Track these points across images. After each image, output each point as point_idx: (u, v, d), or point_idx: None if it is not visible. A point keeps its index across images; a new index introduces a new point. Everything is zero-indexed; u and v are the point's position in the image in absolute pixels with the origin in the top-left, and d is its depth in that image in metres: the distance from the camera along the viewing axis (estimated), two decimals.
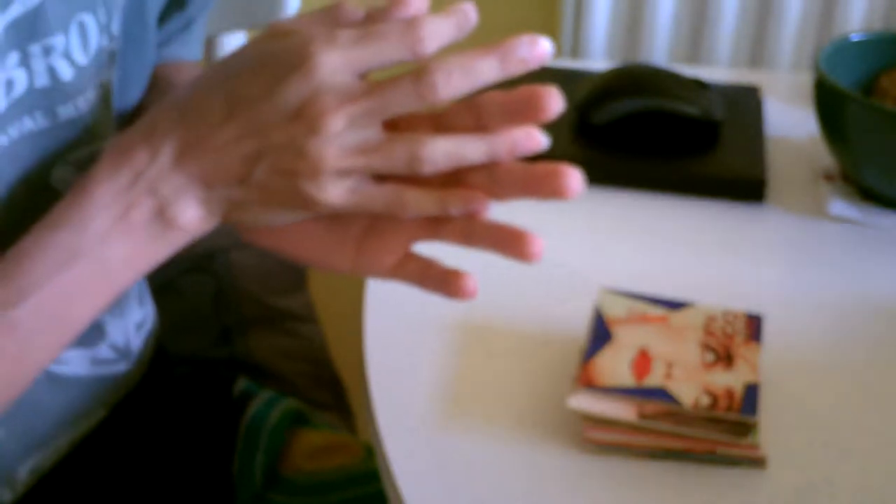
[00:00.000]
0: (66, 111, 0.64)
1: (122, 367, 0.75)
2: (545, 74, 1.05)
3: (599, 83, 0.98)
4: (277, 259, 1.16)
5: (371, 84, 0.54)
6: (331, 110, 0.53)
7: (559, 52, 1.53)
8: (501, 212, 0.88)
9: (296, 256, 0.61)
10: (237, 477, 0.83)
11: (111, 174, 0.56)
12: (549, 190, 0.55)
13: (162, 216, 0.56)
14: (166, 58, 0.83)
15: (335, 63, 0.53)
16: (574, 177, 0.54)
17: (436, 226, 0.59)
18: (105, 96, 0.68)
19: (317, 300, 1.19)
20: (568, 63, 1.14)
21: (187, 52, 0.84)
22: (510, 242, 0.57)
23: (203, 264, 1.11)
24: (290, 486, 0.83)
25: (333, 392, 1.11)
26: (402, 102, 0.53)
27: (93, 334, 0.72)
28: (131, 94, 0.76)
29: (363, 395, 0.71)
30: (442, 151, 0.54)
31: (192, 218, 0.57)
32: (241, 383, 0.90)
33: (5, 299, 0.56)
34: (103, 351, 0.73)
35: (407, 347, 0.74)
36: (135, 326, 0.77)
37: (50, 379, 0.69)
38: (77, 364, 0.71)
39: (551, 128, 0.97)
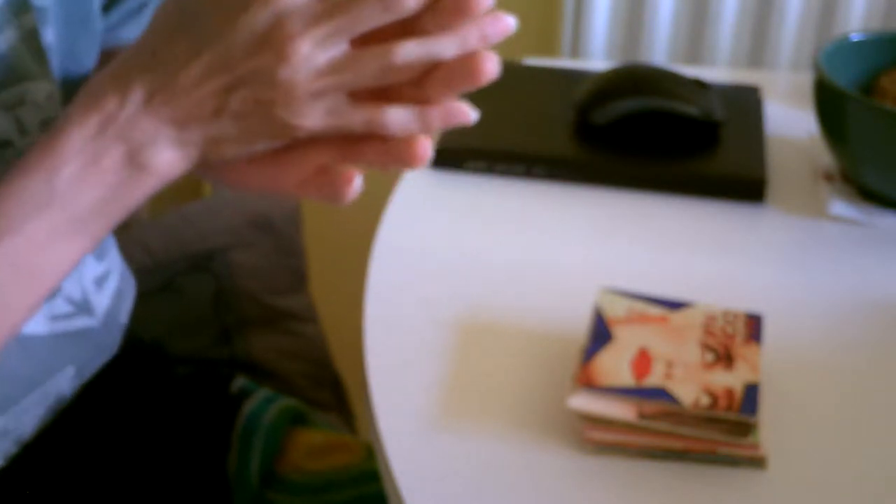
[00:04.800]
0: None
1: (84, 323, 0.74)
2: (545, 74, 1.06)
3: (599, 83, 0.98)
4: (277, 259, 1.16)
5: (334, 3, 0.53)
6: (296, 34, 0.53)
7: (559, 52, 1.53)
8: (502, 212, 0.88)
9: (224, 179, 0.62)
10: (234, 475, 0.83)
11: (81, 120, 0.56)
12: (471, 77, 0.56)
13: (133, 161, 0.56)
14: (121, 39, 0.82)
15: None
16: (491, 59, 0.55)
17: (349, 146, 0.58)
18: (28, 39, 0.67)
19: (317, 300, 1.19)
20: (568, 63, 1.14)
21: (134, 32, 0.84)
22: (400, 152, 0.57)
23: (203, 264, 1.11)
24: (289, 486, 0.83)
25: (333, 392, 1.11)
26: (368, 18, 0.53)
27: None
28: (84, 62, 0.75)
29: (363, 395, 0.71)
30: (414, 55, 0.54)
31: (165, 161, 0.56)
32: (239, 381, 0.90)
33: None
34: (59, 305, 0.72)
35: (407, 347, 0.74)
36: (93, 281, 0.76)
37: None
38: (36, 322, 0.70)
39: (551, 128, 0.97)
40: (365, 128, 0.55)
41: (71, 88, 0.74)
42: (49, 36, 0.70)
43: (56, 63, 0.72)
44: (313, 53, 0.53)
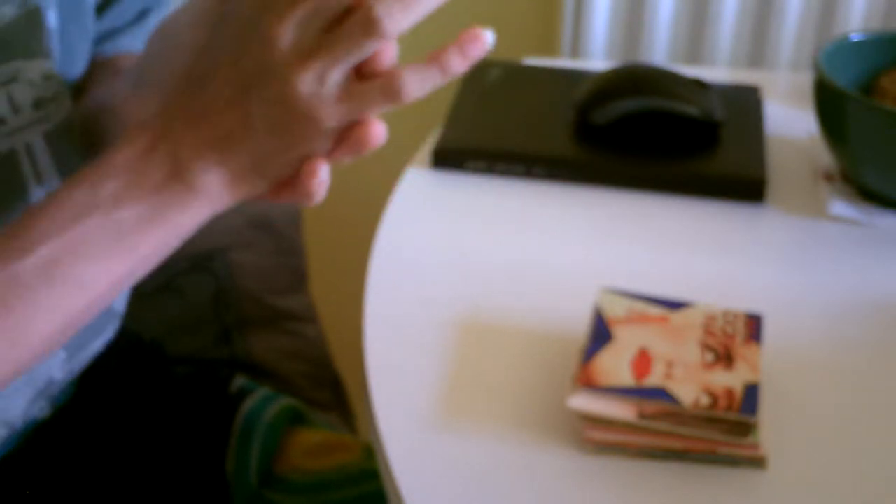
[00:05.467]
0: None
1: None
2: (545, 74, 1.06)
3: (599, 83, 0.98)
4: (277, 259, 1.16)
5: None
6: (283, 22, 0.54)
7: (559, 52, 1.53)
8: (502, 212, 0.88)
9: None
10: (233, 475, 0.83)
11: (132, 137, 0.57)
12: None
13: (179, 177, 0.56)
14: (121, 48, 0.82)
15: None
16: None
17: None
18: (29, 16, 0.67)
19: (317, 300, 1.19)
20: (568, 63, 1.14)
21: (141, 46, 0.84)
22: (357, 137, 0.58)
23: (203, 264, 1.11)
24: (288, 485, 0.83)
25: (333, 392, 1.11)
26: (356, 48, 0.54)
27: None
28: (76, 56, 0.75)
29: (363, 395, 0.71)
30: (398, 6, 0.54)
31: (212, 182, 0.57)
32: (239, 381, 0.90)
33: (10, 250, 0.55)
34: None
35: (407, 347, 0.74)
36: None
37: None
38: None
39: (551, 128, 0.97)
40: (385, 100, 0.56)
41: (69, 74, 0.74)
42: (52, 19, 0.70)
43: (56, 49, 0.72)
44: (298, 34, 0.54)
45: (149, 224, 0.57)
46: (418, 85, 0.55)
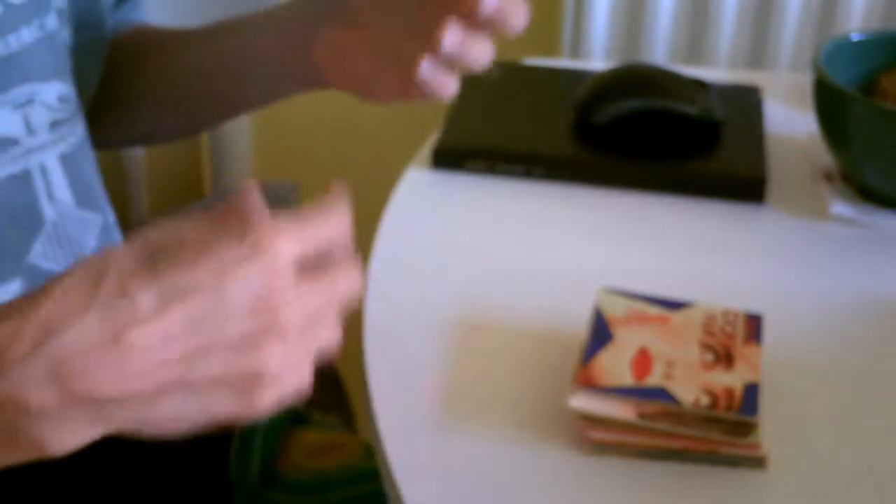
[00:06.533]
0: None
1: None
2: (545, 74, 1.06)
3: (599, 83, 0.98)
4: None
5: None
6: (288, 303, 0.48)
7: (559, 52, 1.53)
8: (502, 212, 0.88)
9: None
10: (234, 475, 0.83)
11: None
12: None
13: (11, 429, 0.46)
14: (121, 22, 0.82)
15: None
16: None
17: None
18: (49, 40, 0.67)
19: None
20: (568, 63, 1.14)
21: (140, 15, 0.85)
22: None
23: None
24: (289, 485, 0.83)
25: (333, 392, 1.11)
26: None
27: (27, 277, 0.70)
28: (91, 64, 0.75)
29: (363, 395, 0.71)
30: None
31: (61, 441, 0.47)
32: None
33: None
34: None
35: (407, 347, 0.74)
36: None
37: None
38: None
39: (552, 128, 0.97)
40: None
41: (79, 90, 0.74)
42: (65, 36, 0.70)
43: (70, 68, 0.72)
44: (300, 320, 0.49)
45: None
46: None
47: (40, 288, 0.45)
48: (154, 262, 0.45)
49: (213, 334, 0.45)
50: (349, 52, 0.69)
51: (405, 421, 0.68)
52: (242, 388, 0.47)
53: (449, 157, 0.93)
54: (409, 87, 0.66)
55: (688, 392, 0.65)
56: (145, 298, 0.44)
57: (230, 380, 0.47)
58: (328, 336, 0.50)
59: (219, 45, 0.79)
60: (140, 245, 0.46)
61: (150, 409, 0.47)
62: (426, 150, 0.95)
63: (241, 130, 1.58)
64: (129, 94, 0.83)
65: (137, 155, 1.42)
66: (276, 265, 0.46)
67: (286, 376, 0.48)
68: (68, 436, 0.46)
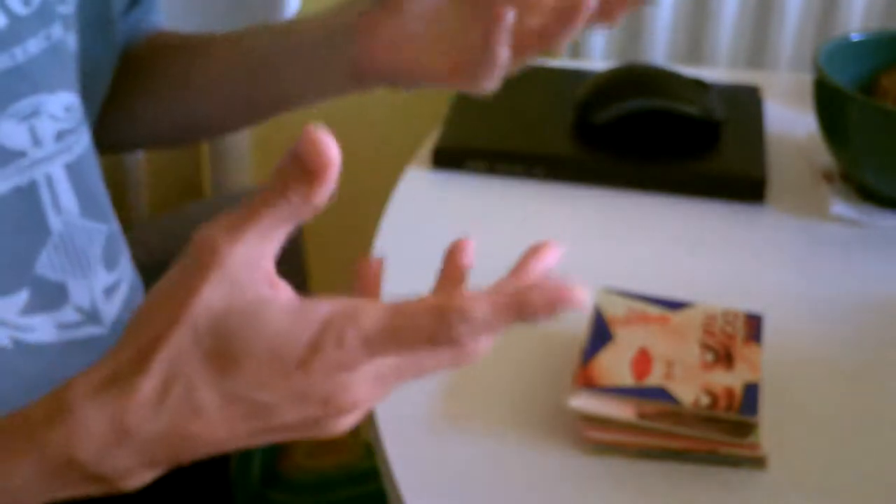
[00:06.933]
0: (2, 60, 0.64)
1: (91, 331, 0.74)
2: (546, 74, 1.06)
3: (599, 83, 0.98)
4: (277, 260, 1.16)
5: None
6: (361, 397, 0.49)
7: (559, 52, 1.53)
8: (502, 212, 0.88)
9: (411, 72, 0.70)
10: (235, 475, 0.83)
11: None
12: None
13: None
14: (134, 27, 0.82)
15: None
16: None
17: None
18: (56, 50, 0.67)
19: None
20: (568, 63, 1.14)
21: (155, 18, 0.84)
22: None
23: None
24: (290, 485, 0.83)
25: None
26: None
27: (55, 296, 0.70)
28: (102, 68, 0.75)
29: None
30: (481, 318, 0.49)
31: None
32: None
33: None
34: (68, 314, 0.72)
35: None
36: (103, 290, 0.75)
37: (19, 348, 0.68)
38: (43, 330, 0.70)
39: (552, 128, 0.97)
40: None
41: (87, 97, 0.74)
42: (71, 43, 0.70)
43: (77, 77, 0.72)
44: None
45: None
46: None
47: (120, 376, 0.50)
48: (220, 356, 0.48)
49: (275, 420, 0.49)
50: (403, 29, 0.71)
51: (405, 421, 0.68)
52: (315, 426, 0.49)
53: (449, 157, 0.93)
54: (459, 68, 0.68)
55: (688, 392, 0.65)
56: (208, 399, 0.48)
57: (301, 426, 0.49)
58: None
59: (254, 41, 0.79)
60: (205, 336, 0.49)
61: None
62: (426, 150, 0.95)
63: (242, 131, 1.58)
64: (151, 98, 0.82)
65: (137, 155, 1.42)
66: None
67: (360, 407, 0.49)
68: (141, 480, 0.54)
